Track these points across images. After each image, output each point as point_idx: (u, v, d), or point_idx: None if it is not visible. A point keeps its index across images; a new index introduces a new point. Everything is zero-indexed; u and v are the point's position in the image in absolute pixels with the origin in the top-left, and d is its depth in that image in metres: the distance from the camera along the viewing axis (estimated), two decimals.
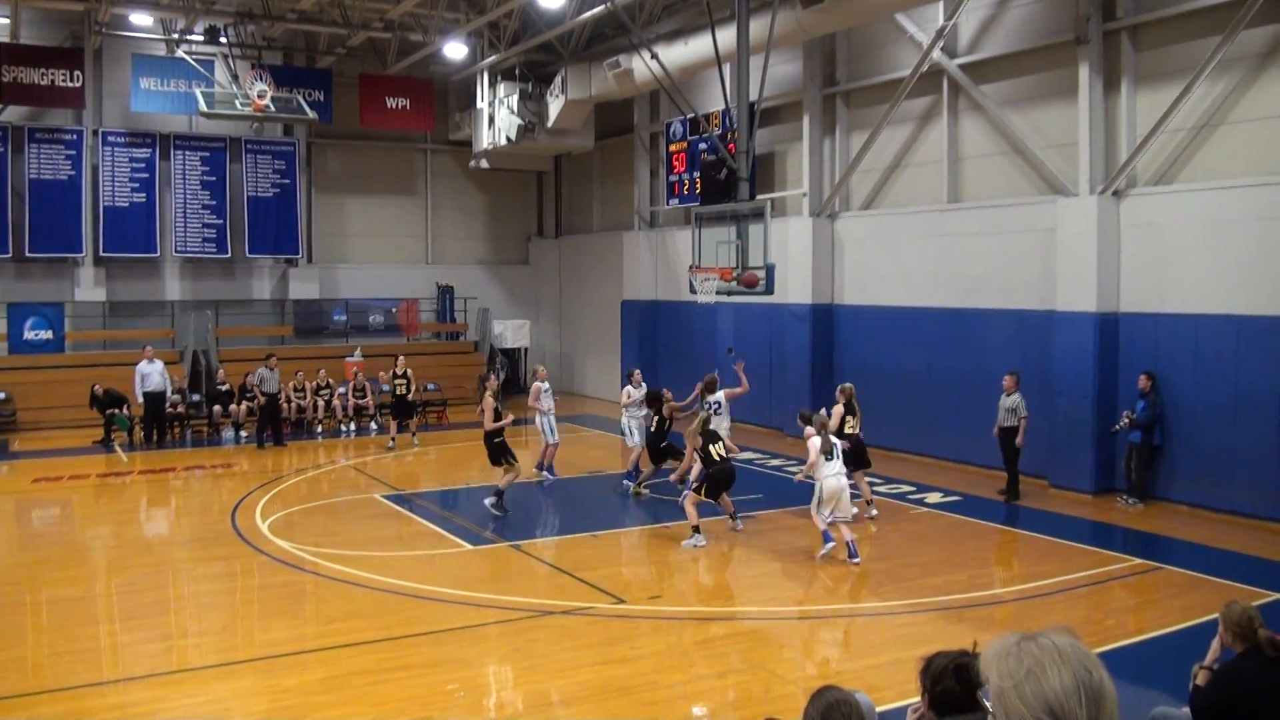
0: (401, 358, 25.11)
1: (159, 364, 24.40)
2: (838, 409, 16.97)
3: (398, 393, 24.47)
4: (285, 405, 25.59)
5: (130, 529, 17.34)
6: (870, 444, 22.08)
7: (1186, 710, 6.98)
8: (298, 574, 13.96)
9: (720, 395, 18.44)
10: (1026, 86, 19.77)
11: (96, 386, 24.33)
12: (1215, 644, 6.91)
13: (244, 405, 25.48)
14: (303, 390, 26.44)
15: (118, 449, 23.59)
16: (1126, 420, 17.37)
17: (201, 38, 26.38)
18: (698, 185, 26.33)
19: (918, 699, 4.81)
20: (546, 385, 20.23)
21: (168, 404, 24.84)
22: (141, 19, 26.14)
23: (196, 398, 26.59)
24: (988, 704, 2.47)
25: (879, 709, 5.22)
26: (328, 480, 20.83)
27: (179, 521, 18.10)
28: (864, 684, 8.08)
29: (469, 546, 15.42)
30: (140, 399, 24.04)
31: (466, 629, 11.66)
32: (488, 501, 16.98)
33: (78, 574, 14.22)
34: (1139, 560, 14.44)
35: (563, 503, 18.61)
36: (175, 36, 26.66)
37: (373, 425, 26.81)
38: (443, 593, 12.91)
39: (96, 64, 27.92)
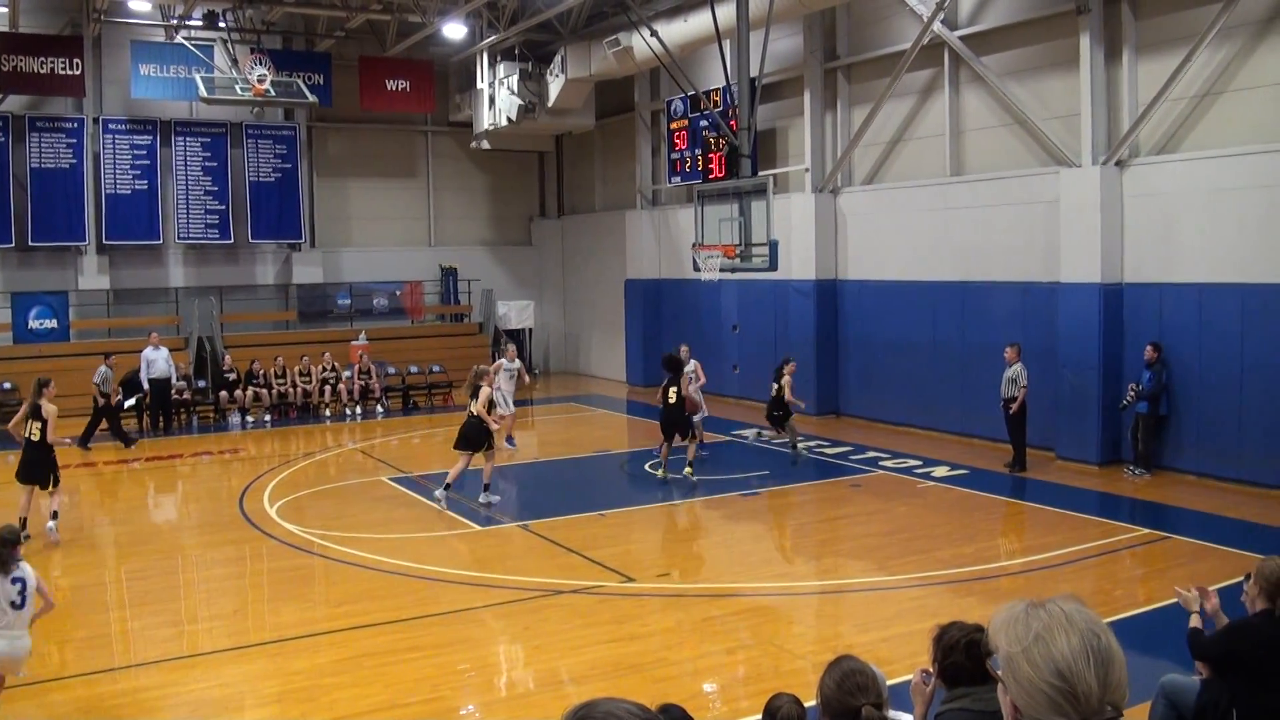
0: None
1: (164, 350, 24.44)
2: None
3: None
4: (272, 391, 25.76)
5: (139, 516, 17.36)
6: (876, 419, 22.27)
7: (1196, 679, 6.99)
8: (307, 557, 13.99)
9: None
10: (1028, 57, 19.70)
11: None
12: (1186, 594, 6.98)
13: (250, 391, 25.54)
14: (308, 375, 26.48)
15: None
16: (1133, 394, 17.36)
17: (200, 23, 26.32)
18: (699, 162, 26.29)
19: (929, 663, 4.84)
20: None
21: (173, 390, 24.87)
22: (140, 5, 26.05)
23: (202, 384, 26.62)
24: (997, 672, 2.47)
25: (890, 681, 5.23)
26: (335, 464, 20.87)
27: (187, 507, 18.14)
28: (874, 657, 8.05)
29: (477, 528, 15.45)
30: (146, 385, 24.07)
31: (476, 609, 11.69)
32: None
33: (87, 561, 14.27)
34: (1146, 530, 14.48)
35: (569, 482, 18.62)
36: (174, 22, 26.60)
37: (379, 408, 26.84)
38: (452, 574, 12.95)
39: (96, 51, 27.85)
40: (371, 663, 10.05)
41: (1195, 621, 6.91)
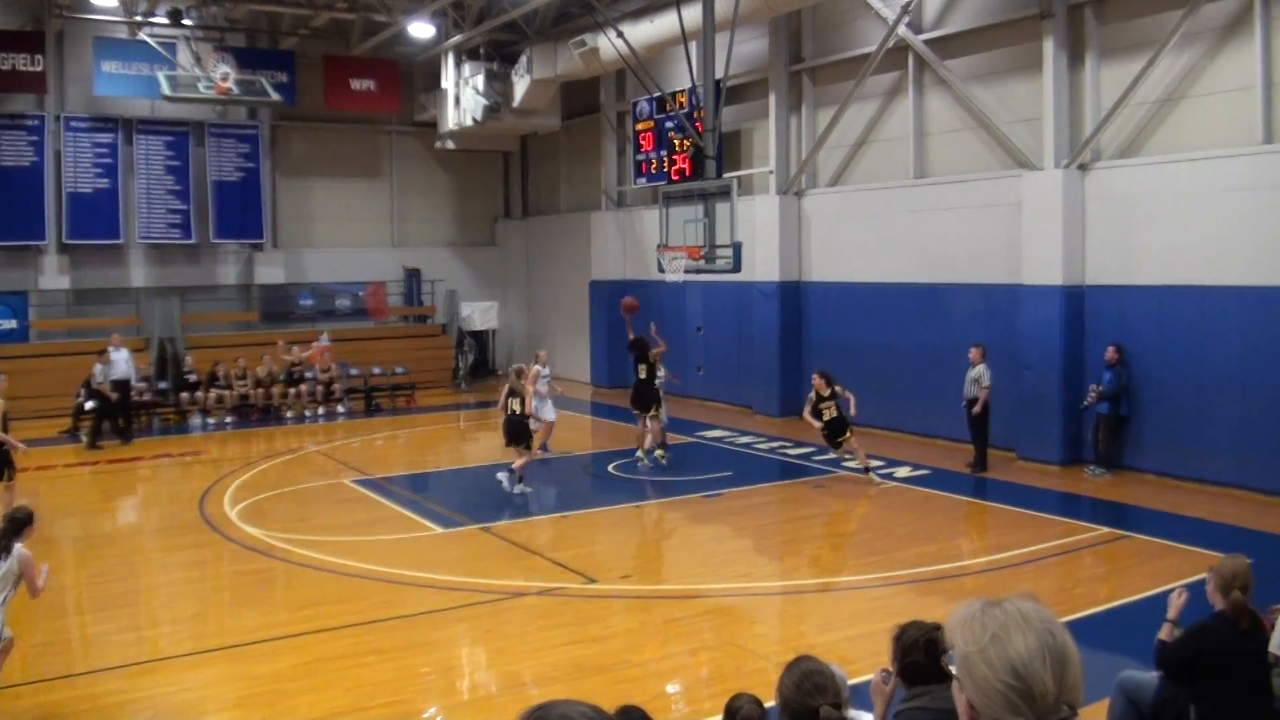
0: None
1: (125, 351, 24.15)
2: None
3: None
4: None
5: (99, 519, 17.17)
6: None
7: (1154, 675, 7.05)
8: (268, 560, 13.89)
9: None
10: (992, 61, 19.81)
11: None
12: (1174, 599, 7.05)
13: (212, 393, 25.39)
14: (269, 374, 26.33)
15: (84, 439, 23.37)
16: (1094, 394, 17.49)
17: (164, 20, 26.03)
18: (665, 164, 26.29)
19: (889, 663, 4.85)
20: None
21: (134, 392, 24.64)
22: (103, 1, 25.85)
23: (164, 385, 26.40)
24: (953, 670, 2.47)
25: (851, 681, 5.25)
26: (297, 465, 20.73)
27: (148, 510, 18.00)
28: (836, 656, 8.10)
29: (439, 530, 15.40)
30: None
31: (438, 612, 11.65)
32: None
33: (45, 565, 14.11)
34: (1107, 529, 14.58)
35: (533, 483, 18.57)
36: (137, 19, 26.34)
37: (339, 410, 26.70)
38: (414, 576, 12.88)
39: (58, 48, 27.59)
40: (333, 666, 9.99)
41: (1164, 633, 6.96)
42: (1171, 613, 7.05)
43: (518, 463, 17.21)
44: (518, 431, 17.38)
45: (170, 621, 11.69)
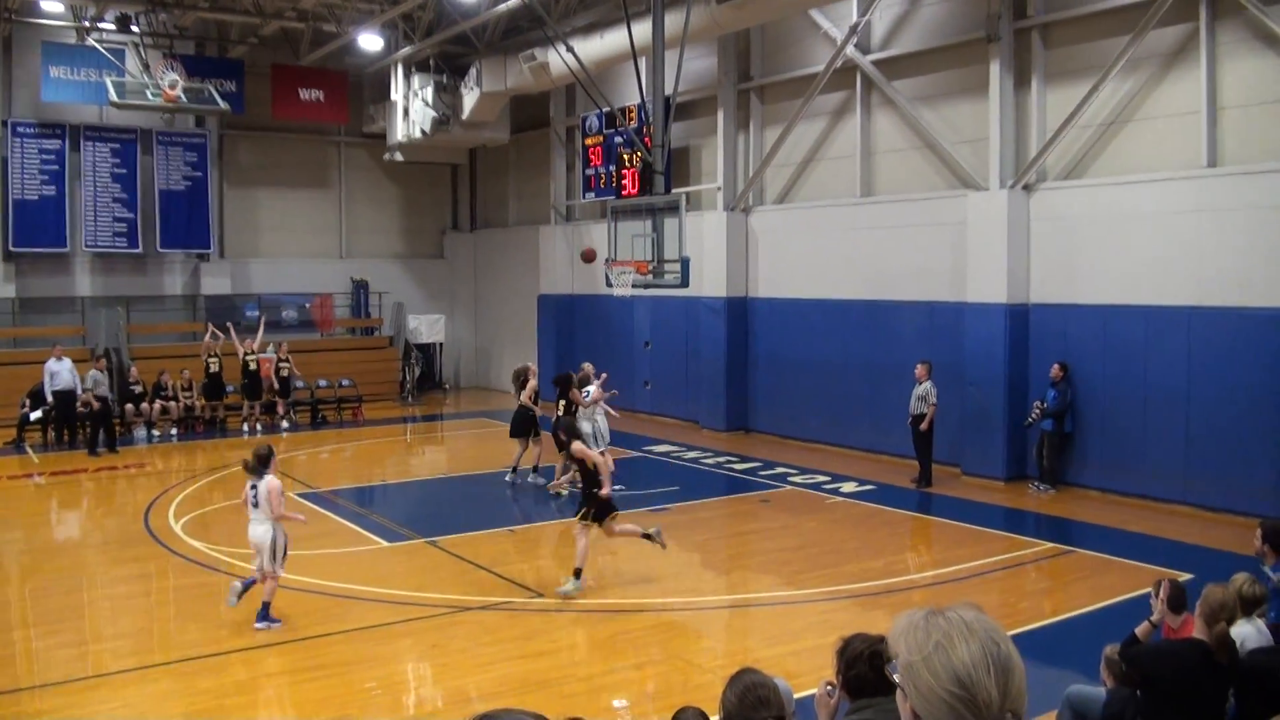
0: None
1: (68, 362, 23.89)
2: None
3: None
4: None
5: (42, 532, 16.95)
6: (785, 435, 22.43)
7: (1101, 689, 7.13)
8: (212, 575, 13.75)
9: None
10: (938, 83, 20.02)
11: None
12: (1158, 605, 7.21)
13: (158, 404, 25.12)
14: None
15: (29, 450, 23.10)
16: (1038, 411, 17.67)
17: (113, 26, 25.81)
18: (613, 179, 26.33)
19: (833, 676, 4.88)
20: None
21: (78, 403, 24.34)
22: (52, 5, 25.52)
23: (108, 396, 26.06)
24: (896, 678, 2.48)
25: (797, 695, 5.27)
26: (242, 478, 20.43)
27: (91, 523, 17.78)
28: (782, 670, 8.14)
29: (385, 543, 15.33)
30: (50, 398, 23.55)
31: (384, 626, 11.59)
32: None
33: None
34: (1051, 544, 14.75)
35: (479, 497, 18.52)
36: (86, 24, 26.09)
37: (284, 423, 26.45)
38: (359, 590, 12.82)
39: (6, 52, 27.34)
40: (278, 682, 9.94)
41: (1142, 629, 7.08)
42: (1155, 616, 7.18)
43: (526, 460, 18.95)
44: (520, 423, 18.98)
45: (114, 636, 11.57)
